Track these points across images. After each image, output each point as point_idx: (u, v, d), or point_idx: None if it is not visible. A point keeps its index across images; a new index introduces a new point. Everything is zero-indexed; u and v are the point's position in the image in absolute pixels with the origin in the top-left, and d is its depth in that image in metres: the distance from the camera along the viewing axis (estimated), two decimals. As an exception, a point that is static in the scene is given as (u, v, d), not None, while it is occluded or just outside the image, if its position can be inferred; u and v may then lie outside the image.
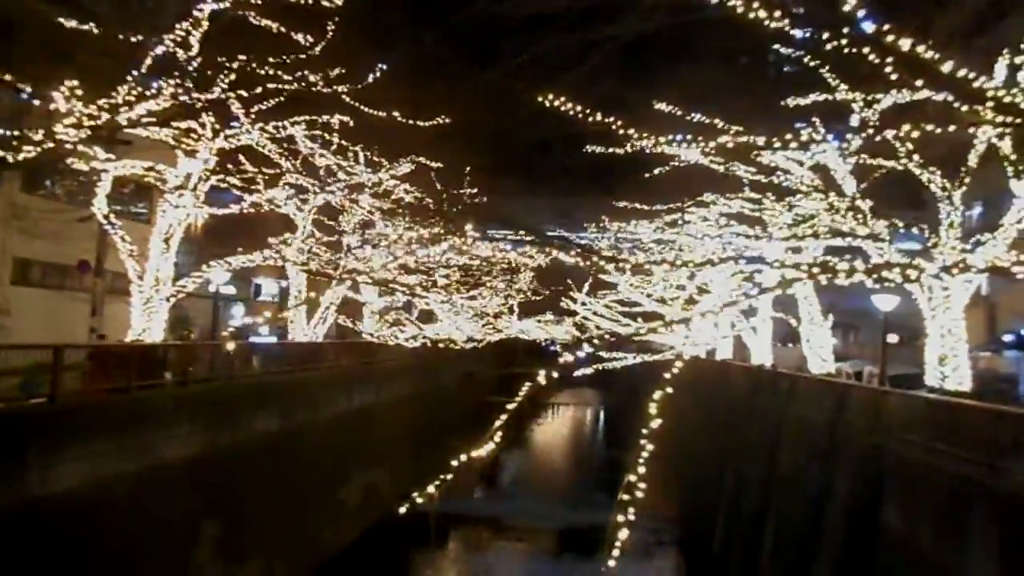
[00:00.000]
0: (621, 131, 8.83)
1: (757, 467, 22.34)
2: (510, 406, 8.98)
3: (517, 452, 59.82)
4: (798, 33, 6.63)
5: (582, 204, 25.78)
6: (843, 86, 12.86)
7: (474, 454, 7.72)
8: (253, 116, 16.60)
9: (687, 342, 41.17)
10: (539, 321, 41.75)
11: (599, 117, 8.96)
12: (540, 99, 8.68)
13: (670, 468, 40.64)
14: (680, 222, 22.14)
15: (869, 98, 12.98)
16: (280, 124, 16.19)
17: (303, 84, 13.46)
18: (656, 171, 17.44)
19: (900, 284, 8.55)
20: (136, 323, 16.28)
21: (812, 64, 12.31)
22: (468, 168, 29.93)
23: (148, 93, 10.73)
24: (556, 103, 8.63)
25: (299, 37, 13.04)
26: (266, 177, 18.28)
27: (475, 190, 27.19)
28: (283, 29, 12.86)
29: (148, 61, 10.93)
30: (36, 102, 9.92)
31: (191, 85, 11.38)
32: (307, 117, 16.56)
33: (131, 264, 16.07)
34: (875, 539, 13.56)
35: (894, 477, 13.34)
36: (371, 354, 31.36)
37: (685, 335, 41.63)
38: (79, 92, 9.79)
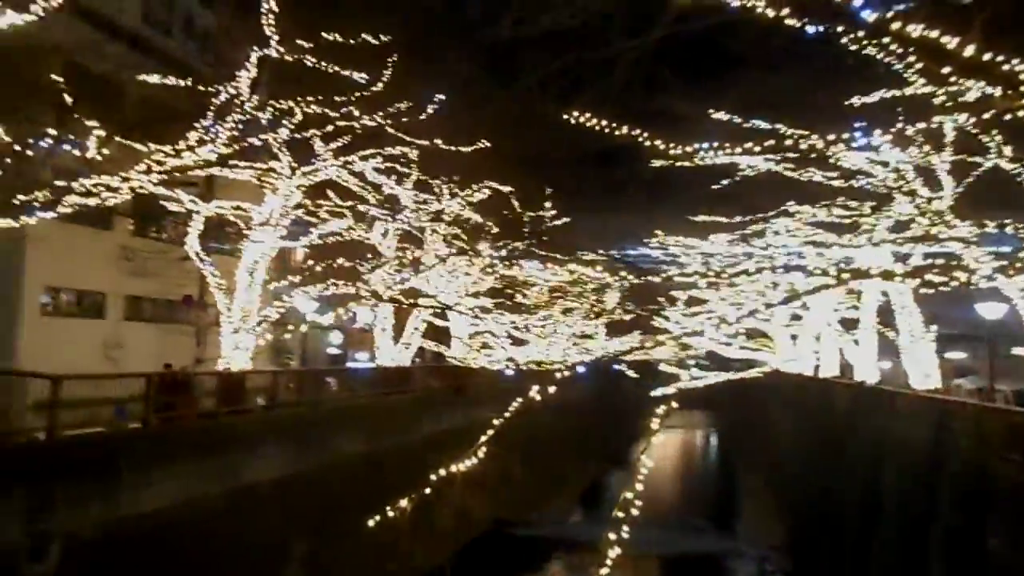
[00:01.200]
0: (662, 144, 8.67)
1: (860, 490, 21.10)
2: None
3: (622, 475, 58.91)
4: (810, 29, 6.37)
5: (637, 220, 25.40)
6: (920, 80, 12.06)
7: (459, 467, 7.62)
8: (329, 153, 17.51)
9: (779, 358, 39.64)
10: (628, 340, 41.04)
11: (636, 131, 8.84)
12: (566, 116, 8.67)
13: (778, 492, 38.92)
14: (766, 232, 21.44)
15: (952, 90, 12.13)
16: (348, 160, 16.93)
17: (364, 121, 14.03)
18: (723, 182, 16.96)
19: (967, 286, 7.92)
20: (226, 352, 17.28)
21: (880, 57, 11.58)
22: (549, 190, 30.19)
23: (207, 138, 11.51)
24: (582, 119, 8.61)
25: (356, 76, 13.64)
26: (342, 210, 19.06)
27: (552, 211, 27.33)
28: (338, 69, 13.49)
29: (212, 109, 11.76)
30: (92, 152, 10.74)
31: (242, 128, 12.10)
32: (372, 151, 17.24)
33: (220, 297, 17.13)
34: (979, 567, 12.56)
35: (998, 500, 12.35)
36: (459, 377, 31.85)
37: (788, 352, 39.96)
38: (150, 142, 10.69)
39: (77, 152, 8.93)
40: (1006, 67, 5.75)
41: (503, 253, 24.41)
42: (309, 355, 31.73)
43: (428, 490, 7.36)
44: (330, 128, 15.22)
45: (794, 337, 42.92)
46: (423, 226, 22.54)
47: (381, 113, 14.66)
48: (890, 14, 5.43)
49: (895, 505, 17.72)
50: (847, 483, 22.72)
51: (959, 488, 13.77)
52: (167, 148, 10.99)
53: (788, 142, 11.46)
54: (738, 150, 9.96)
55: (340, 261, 19.31)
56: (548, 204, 30.27)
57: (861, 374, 26.96)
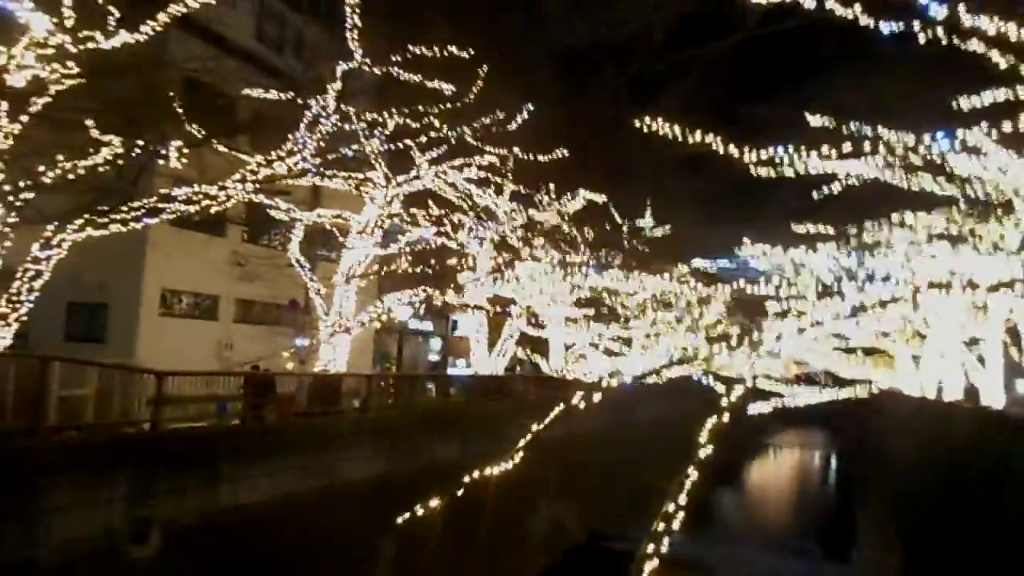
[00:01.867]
0: (736, 150, 8.40)
1: (979, 522, 19.48)
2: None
3: (728, 493, 56.91)
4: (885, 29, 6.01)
5: (730, 230, 24.45)
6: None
7: (492, 471, 7.57)
8: (425, 163, 17.99)
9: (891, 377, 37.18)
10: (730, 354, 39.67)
11: (709, 137, 8.61)
12: (638, 122, 8.54)
13: (897, 521, 36.50)
14: (878, 243, 20.19)
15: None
16: (440, 170, 17.30)
17: (448, 132, 14.32)
18: (825, 190, 16.11)
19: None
20: (323, 355, 18.00)
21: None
22: (648, 200, 29.74)
23: (295, 149, 12.07)
24: (655, 125, 8.45)
25: (444, 87, 13.95)
26: (436, 219, 19.47)
27: (651, 222, 26.84)
28: (425, 81, 13.83)
29: (303, 121, 12.33)
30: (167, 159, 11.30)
31: (329, 140, 12.58)
32: (461, 162, 17.56)
33: (319, 301, 17.89)
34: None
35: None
36: (557, 388, 31.77)
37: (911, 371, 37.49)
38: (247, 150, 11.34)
39: (161, 162, 9.59)
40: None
41: (596, 263, 24.22)
42: (409, 361, 32.57)
43: (460, 492, 7.39)
44: (423, 139, 15.60)
45: (916, 358, 40.21)
46: (517, 236, 22.71)
47: (471, 125, 14.90)
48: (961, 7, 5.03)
49: (1014, 540, 16.26)
50: (967, 514, 21.06)
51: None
52: (259, 158, 11.62)
53: (897, 148, 10.81)
54: (829, 154, 9.52)
55: (429, 267, 19.64)
56: (648, 214, 29.88)
57: (986, 397, 24.91)
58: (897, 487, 38.03)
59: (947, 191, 15.23)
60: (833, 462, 73.94)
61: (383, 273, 19.79)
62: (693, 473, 6.32)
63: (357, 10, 10.39)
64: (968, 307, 24.24)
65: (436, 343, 36.80)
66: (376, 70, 12.96)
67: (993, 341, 24.05)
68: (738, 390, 8.26)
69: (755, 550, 36.11)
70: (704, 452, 6.50)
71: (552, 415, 7.61)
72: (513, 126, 16.05)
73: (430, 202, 21.73)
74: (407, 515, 7.42)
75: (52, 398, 11.91)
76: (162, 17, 10.96)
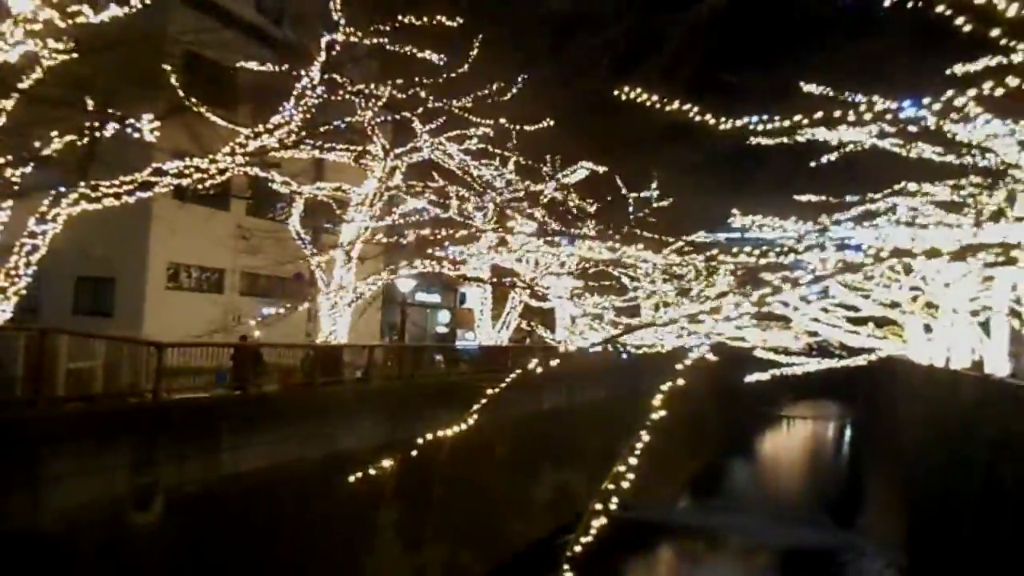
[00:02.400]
0: (712, 119, 8.38)
1: (979, 487, 19.60)
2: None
3: (738, 463, 57.22)
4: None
5: (724, 201, 24.26)
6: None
7: (448, 432, 7.71)
8: (426, 135, 18.00)
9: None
10: (740, 327, 39.73)
11: (687, 107, 8.59)
12: (617, 92, 8.53)
13: (902, 488, 36.61)
14: (883, 212, 20.04)
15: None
16: (437, 142, 17.30)
17: (436, 104, 14.30)
18: (824, 159, 15.96)
19: None
20: (324, 326, 18.23)
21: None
22: (655, 172, 29.59)
23: (282, 120, 12.17)
24: (633, 95, 8.43)
25: (433, 57, 13.93)
26: (432, 190, 19.46)
27: (656, 191, 26.75)
28: (415, 51, 13.81)
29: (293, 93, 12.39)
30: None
31: (315, 111, 12.64)
32: (457, 132, 17.55)
33: (320, 274, 18.09)
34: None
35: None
36: (562, 360, 31.95)
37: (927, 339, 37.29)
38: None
39: (155, 135, 9.69)
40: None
41: (599, 235, 24.18)
42: (417, 333, 32.85)
43: (414, 452, 7.60)
44: (419, 111, 15.62)
45: (928, 328, 39.98)
46: (518, 207, 22.72)
47: (465, 96, 14.88)
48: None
49: (1013, 503, 16.38)
50: (967, 480, 21.20)
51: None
52: (247, 131, 11.75)
53: (887, 115, 10.70)
54: (817, 122, 9.48)
55: (432, 239, 19.70)
56: (654, 185, 29.74)
57: (991, 366, 24.85)
58: (904, 455, 38.15)
59: (947, 158, 15.07)
60: (847, 432, 74.00)
61: (386, 244, 19.87)
62: (645, 436, 6.43)
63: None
64: (977, 278, 24.10)
65: (444, 315, 37.05)
66: (365, 40, 12.97)
67: (999, 311, 23.88)
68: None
69: (766, 520, 36.40)
70: (657, 415, 6.59)
71: (507, 381, 7.73)
72: (507, 97, 16.02)
73: (434, 174, 21.78)
74: (358, 474, 7.57)
75: (61, 370, 12.23)
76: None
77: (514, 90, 15.81)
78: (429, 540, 20.37)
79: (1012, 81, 6.90)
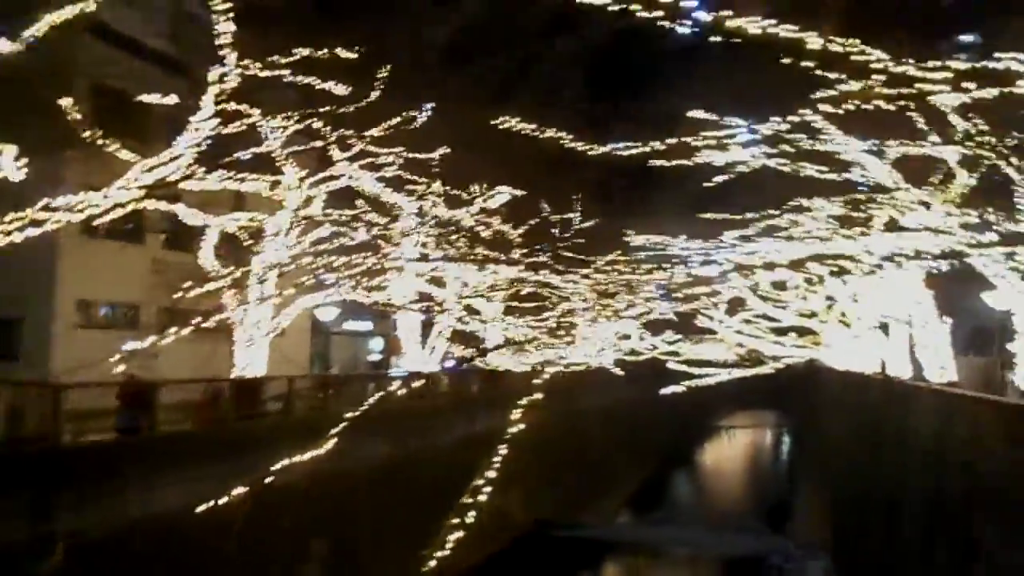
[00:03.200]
0: (582, 145, 8.78)
1: (889, 487, 20.54)
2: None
3: (678, 475, 58.24)
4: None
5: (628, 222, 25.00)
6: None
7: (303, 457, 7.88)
8: (344, 162, 18.10)
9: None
10: (670, 342, 40.68)
11: (562, 134, 8.97)
12: (494, 121, 8.86)
13: (827, 490, 37.86)
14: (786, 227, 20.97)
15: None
16: (351, 170, 17.42)
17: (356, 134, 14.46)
18: (716, 179, 16.68)
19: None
20: (240, 360, 18.05)
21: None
22: (578, 195, 30.20)
23: (177, 153, 12.19)
24: (511, 123, 8.78)
25: (336, 88, 14.11)
26: (349, 219, 19.48)
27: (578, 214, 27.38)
28: (312, 82, 13.97)
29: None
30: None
31: (210, 143, 12.69)
32: (368, 161, 17.72)
33: (232, 306, 17.93)
34: (972, 559, 12.18)
35: (984, 491, 11.97)
36: (495, 382, 32.16)
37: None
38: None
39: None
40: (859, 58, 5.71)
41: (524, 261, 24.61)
42: (348, 361, 32.63)
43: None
44: (333, 139, 15.73)
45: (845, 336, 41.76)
46: (433, 235, 22.91)
47: (374, 127, 15.10)
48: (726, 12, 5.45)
49: (916, 502, 17.25)
50: (879, 480, 22.19)
51: (956, 482, 13.37)
52: (142, 163, 11.73)
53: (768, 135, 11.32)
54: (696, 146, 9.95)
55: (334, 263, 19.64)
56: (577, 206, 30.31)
57: (893, 369, 26.11)
58: (828, 456, 39.56)
59: (830, 176, 15.94)
60: (783, 439, 75.96)
61: (304, 273, 19.76)
62: (503, 450, 6.70)
63: (226, 16, 10.54)
64: (885, 288, 25.37)
65: (378, 343, 36.85)
66: (266, 72, 13.07)
67: (898, 317, 25.14)
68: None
69: (704, 530, 37.21)
70: (515, 428, 6.86)
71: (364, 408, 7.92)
72: (415, 125, 16.28)
73: (358, 202, 21.80)
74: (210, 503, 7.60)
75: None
76: (43, 24, 10.97)
77: (421, 118, 16.11)
78: (359, 569, 20.19)
79: (850, 104, 7.46)
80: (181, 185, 16.16)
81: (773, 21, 5.62)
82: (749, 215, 20.04)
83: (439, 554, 6.31)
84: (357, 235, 19.21)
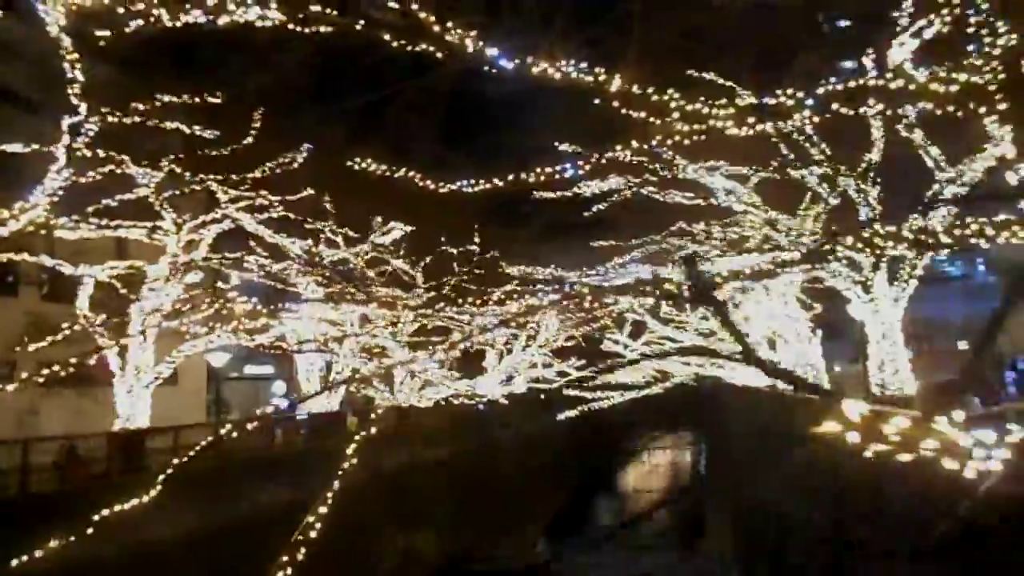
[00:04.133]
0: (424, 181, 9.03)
1: (776, 493, 21.42)
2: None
3: (597, 499, 58.80)
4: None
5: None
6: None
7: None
8: (231, 207, 17.89)
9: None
10: (577, 368, 41.43)
11: (411, 173, 9.18)
12: (349, 163, 9.01)
13: (728, 501, 39.15)
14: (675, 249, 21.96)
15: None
16: (233, 211, 17.25)
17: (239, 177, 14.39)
18: (595, 208, 17.42)
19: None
20: (121, 411, 17.41)
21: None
22: (476, 225, 30.61)
23: (32, 203, 11.90)
24: (364, 164, 8.97)
25: (207, 133, 14.08)
26: (228, 262, 19.16)
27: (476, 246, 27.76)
28: (184, 127, 13.91)
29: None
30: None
31: (63, 192, 12.45)
32: (246, 204, 17.61)
33: (112, 356, 17.32)
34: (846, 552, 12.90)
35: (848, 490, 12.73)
36: (401, 418, 31.94)
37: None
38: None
39: None
40: (656, 98, 6.18)
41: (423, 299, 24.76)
42: (248, 406, 31.78)
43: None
44: (210, 181, 15.57)
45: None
46: (345, 272, 22.80)
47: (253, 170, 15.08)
48: (530, 59, 5.82)
49: (801, 504, 18.06)
50: (768, 488, 23.06)
51: (828, 484, 14.14)
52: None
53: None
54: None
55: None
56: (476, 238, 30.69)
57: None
58: (732, 469, 40.93)
59: (697, 201, 16.83)
60: (700, 457, 77.87)
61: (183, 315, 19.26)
62: (336, 485, 6.85)
63: (76, 65, 10.41)
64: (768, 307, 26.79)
65: (280, 386, 36.06)
66: (120, 119, 12.86)
67: (782, 336, 26.54)
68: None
69: (619, 552, 37.75)
70: (349, 463, 7.00)
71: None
72: (292, 166, 16.32)
73: (252, 243, 21.49)
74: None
75: None
76: None
77: (300, 159, 16.16)
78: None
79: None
80: (57, 233, 15.71)
81: (580, 65, 6.05)
82: (634, 241, 20.86)
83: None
84: (245, 276, 18.92)
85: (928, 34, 8.05)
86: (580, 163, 7.40)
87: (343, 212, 22.26)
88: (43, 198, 11.82)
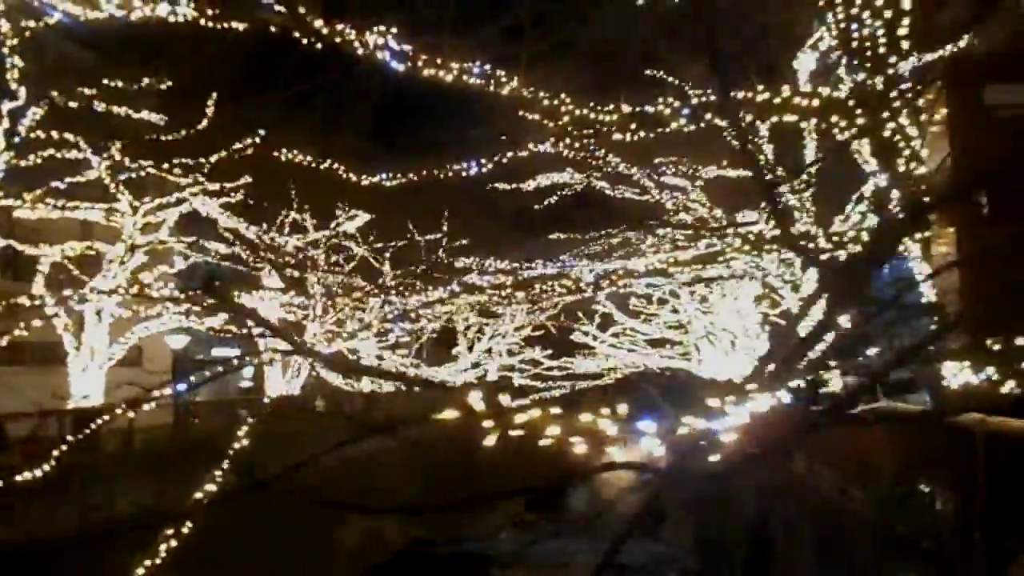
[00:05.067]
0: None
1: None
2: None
3: (581, 491, 59.31)
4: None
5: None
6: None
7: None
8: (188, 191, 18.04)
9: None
10: (548, 357, 41.81)
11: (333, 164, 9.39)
12: (276, 153, 9.22)
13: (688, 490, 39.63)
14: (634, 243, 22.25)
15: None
16: (190, 196, 17.43)
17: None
18: (546, 202, 17.67)
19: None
20: (75, 390, 17.60)
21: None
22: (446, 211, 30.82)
23: None
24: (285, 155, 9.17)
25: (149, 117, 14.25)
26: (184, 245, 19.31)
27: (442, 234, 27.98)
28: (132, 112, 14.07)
29: None
30: None
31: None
32: (200, 189, 17.79)
33: (67, 336, 17.50)
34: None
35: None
36: (369, 403, 32.23)
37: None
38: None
39: None
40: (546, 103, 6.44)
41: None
42: (217, 389, 31.93)
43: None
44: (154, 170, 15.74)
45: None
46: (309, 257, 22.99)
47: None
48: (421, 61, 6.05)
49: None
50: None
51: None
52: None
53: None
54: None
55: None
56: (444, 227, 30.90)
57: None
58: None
59: (644, 198, 17.12)
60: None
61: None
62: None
63: (12, 51, 10.53)
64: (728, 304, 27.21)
65: (248, 369, 36.20)
66: (72, 103, 13.00)
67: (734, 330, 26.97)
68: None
69: (583, 541, 38.21)
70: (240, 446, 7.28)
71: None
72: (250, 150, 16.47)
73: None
74: None
75: None
76: None
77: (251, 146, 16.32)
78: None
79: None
80: (16, 213, 15.86)
81: (471, 66, 6.30)
82: (592, 234, 21.12)
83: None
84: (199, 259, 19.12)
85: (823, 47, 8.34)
86: (483, 160, 7.65)
87: (314, 199, 22.42)
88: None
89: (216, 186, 17.81)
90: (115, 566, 15.50)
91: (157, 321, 18.38)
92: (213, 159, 16.75)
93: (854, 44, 5.93)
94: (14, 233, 18.72)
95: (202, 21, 6.57)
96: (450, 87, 6.25)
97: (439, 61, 6.30)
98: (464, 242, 31.49)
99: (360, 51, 6.03)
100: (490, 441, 4.46)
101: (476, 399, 3.27)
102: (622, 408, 4.47)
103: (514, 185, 16.98)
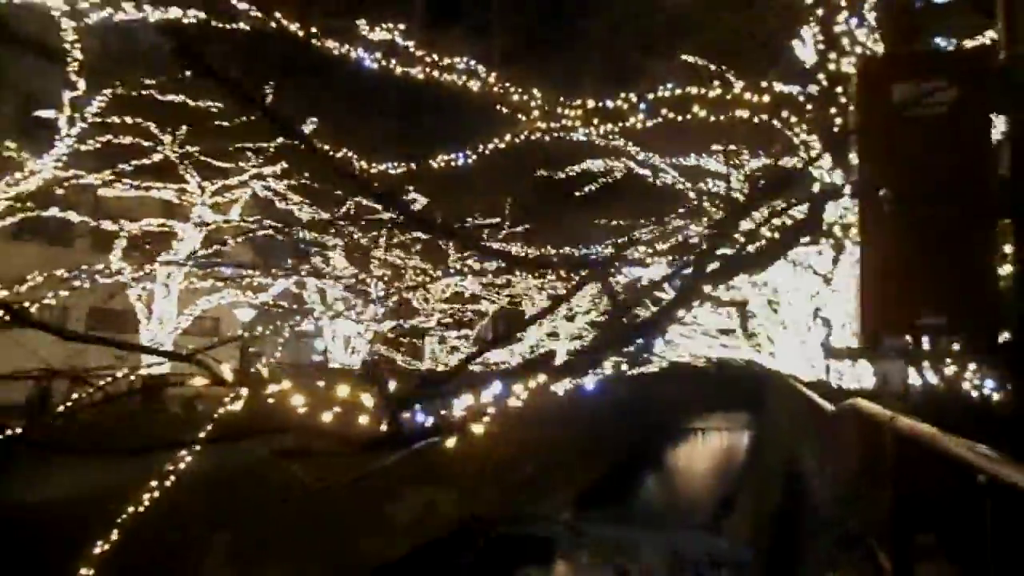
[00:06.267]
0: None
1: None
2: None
3: (635, 476, 58.91)
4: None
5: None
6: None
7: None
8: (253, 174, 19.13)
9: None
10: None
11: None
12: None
13: (757, 487, 38.90)
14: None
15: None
16: (263, 180, 18.45)
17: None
18: (587, 189, 17.71)
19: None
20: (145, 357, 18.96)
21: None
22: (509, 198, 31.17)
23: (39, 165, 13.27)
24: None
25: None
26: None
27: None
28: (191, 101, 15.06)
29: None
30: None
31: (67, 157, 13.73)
32: (271, 171, 18.74)
33: (140, 306, 18.92)
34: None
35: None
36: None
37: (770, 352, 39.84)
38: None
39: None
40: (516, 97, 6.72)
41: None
42: (293, 361, 33.58)
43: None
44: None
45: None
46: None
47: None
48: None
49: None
50: (798, 475, 23.10)
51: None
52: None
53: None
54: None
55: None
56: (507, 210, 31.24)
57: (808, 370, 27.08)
58: (766, 455, 40.58)
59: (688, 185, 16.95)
60: (749, 441, 76.89)
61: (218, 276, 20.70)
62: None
63: (72, 44, 11.53)
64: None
65: (320, 342, 37.81)
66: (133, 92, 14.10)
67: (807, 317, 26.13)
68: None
69: (644, 529, 38.14)
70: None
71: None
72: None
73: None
74: None
75: None
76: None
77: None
78: (266, 560, 21.03)
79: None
80: (100, 192, 17.20)
81: (449, 62, 6.60)
82: (643, 220, 21.04)
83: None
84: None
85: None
86: (468, 151, 7.96)
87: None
88: (50, 161, 13.17)
89: (275, 168, 18.78)
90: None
91: (217, 295, 19.62)
92: (272, 145, 17.69)
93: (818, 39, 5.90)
94: (99, 211, 20.23)
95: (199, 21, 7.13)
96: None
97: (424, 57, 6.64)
98: (528, 227, 31.83)
99: (336, 52, 6.45)
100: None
101: (225, 368, 3.63)
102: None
103: (566, 170, 17.14)
